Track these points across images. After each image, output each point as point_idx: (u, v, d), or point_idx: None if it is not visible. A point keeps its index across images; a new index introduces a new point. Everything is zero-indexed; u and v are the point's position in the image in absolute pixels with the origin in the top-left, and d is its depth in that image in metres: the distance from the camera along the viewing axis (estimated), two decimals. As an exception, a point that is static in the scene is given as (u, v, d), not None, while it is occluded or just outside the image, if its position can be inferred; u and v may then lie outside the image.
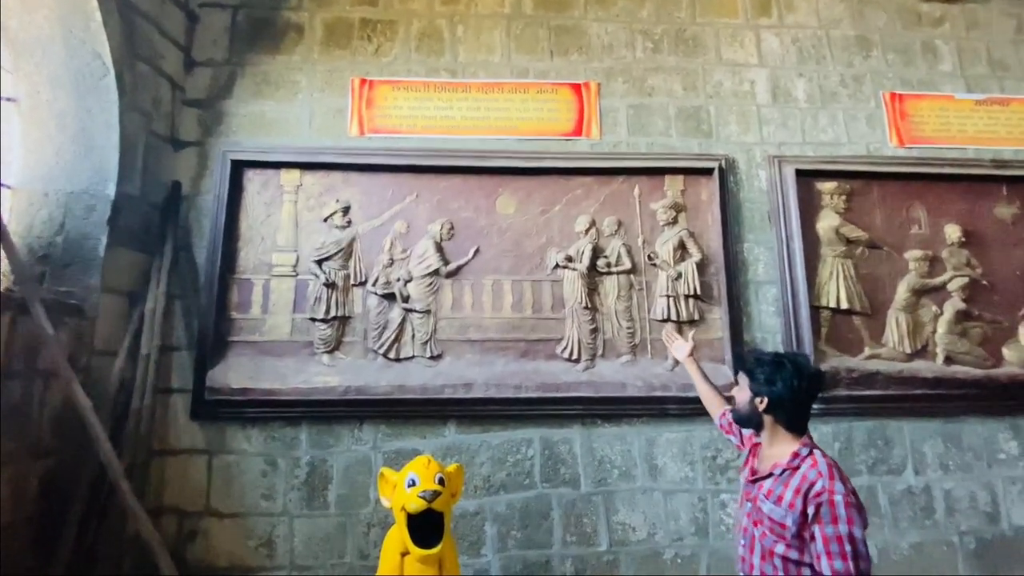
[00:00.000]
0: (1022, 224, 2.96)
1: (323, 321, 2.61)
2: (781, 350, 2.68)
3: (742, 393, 1.48)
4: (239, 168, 2.72)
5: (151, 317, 2.46)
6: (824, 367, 2.67)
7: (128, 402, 2.36)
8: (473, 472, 2.52)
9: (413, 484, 1.75)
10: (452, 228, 2.73)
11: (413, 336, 2.61)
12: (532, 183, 2.83)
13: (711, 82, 3.03)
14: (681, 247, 2.79)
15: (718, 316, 2.73)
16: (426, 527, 1.73)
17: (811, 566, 1.26)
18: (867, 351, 2.76)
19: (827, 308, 2.78)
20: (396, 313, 2.62)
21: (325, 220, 2.73)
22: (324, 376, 2.55)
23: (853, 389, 2.69)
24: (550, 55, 3.00)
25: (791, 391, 1.37)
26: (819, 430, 2.68)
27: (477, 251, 2.73)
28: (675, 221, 2.83)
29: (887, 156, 2.98)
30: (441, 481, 1.77)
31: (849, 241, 2.85)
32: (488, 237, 2.76)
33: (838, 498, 1.23)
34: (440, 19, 3.00)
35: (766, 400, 1.40)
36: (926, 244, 2.88)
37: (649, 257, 2.78)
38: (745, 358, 1.58)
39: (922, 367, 2.73)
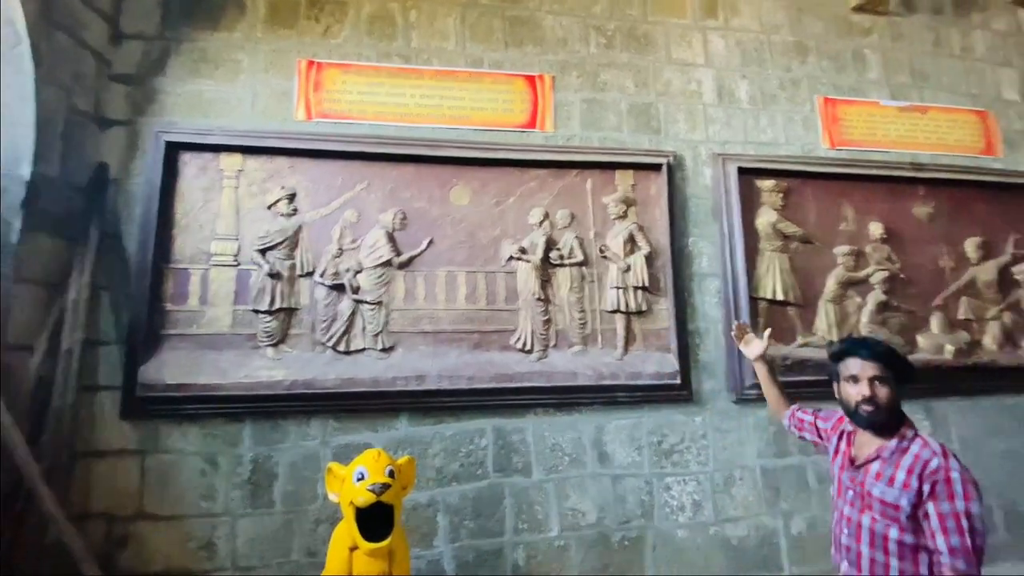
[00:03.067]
0: (937, 223, 3.24)
1: (267, 313, 2.51)
2: (727, 337, 2.84)
3: (883, 390, 1.38)
4: (174, 150, 2.56)
5: (73, 309, 2.28)
6: (761, 355, 2.83)
7: (48, 401, 2.19)
8: (426, 464, 2.51)
9: (362, 478, 1.72)
10: (405, 218, 2.68)
11: (364, 328, 2.55)
12: (487, 174, 2.82)
13: (661, 80, 3.12)
14: (631, 240, 2.87)
15: (664, 307, 2.83)
16: (376, 520, 1.71)
17: (926, 548, 1.23)
18: (799, 339, 2.94)
19: (764, 299, 2.94)
20: (346, 305, 2.55)
21: (269, 207, 2.61)
22: (269, 370, 2.45)
23: (787, 375, 2.85)
24: (504, 45, 2.99)
25: (910, 381, 1.42)
26: (756, 415, 2.85)
27: (431, 242, 2.70)
28: (625, 215, 2.90)
29: (820, 157, 3.17)
30: (391, 474, 1.75)
31: (785, 236, 3.02)
32: (442, 228, 2.73)
33: (955, 475, 1.22)
34: (392, 2, 2.92)
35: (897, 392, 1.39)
36: (853, 240, 3.10)
37: (601, 250, 2.84)
38: (876, 350, 1.43)
39: (847, 354, 2.94)
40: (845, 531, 1.41)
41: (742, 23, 3.27)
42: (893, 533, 1.28)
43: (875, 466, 1.35)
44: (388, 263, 2.61)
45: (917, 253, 3.17)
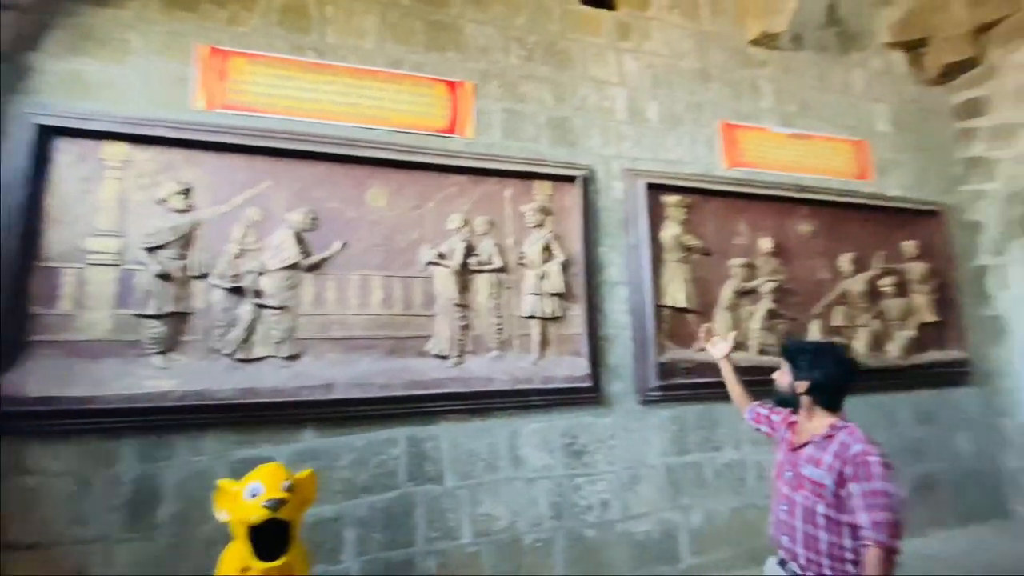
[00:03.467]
0: (818, 239, 3.62)
1: (155, 318, 2.30)
2: (633, 343, 2.98)
3: (784, 377, 1.65)
4: (47, 135, 2.28)
5: (-92, 312, 1.96)
6: (663, 359, 3.02)
7: None
8: (333, 476, 2.41)
9: (256, 494, 1.63)
10: (316, 218, 2.57)
11: (266, 334, 2.41)
12: (405, 177, 2.78)
13: (578, 95, 3.24)
14: (547, 249, 2.95)
15: (578, 313, 2.93)
16: (271, 539, 1.62)
17: (848, 524, 1.39)
18: (699, 344, 3.16)
19: (668, 307, 3.13)
20: (246, 309, 2.40)
21: (161, 202, 2.40)
22: (156, 380, 2.25)
23: (687, 378, 3.07)
24: (425, 49, 2.97)
25: (828, 377, 1.56)
26: (659, 415, 3.02)
27: (344, 244, 2.61)
28: (542, 224, 2.97)
29: (719, 176, 3.44)
30: (289, 488, 1.67)
31: (687, 248, 3.24)
32: (356, 230, 2.65)
33: (873, 459, 1.38)
34: (307, -5, 2.80)
35: (807, 383, 1.58)
36: (746, 253, 3.39)
37: (519, 257, 2.89)
38: (787, 347, 1.69)
39: (741, 357, 3.19)
40: (783, 508, 1.57)
41: (653, 47, 3.48)
42: (820, 508, 1.44)
43: (808, 450, 1.53)
44: (295, 265, 2.49)
45: (800, 266, 3.52)
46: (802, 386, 1.59)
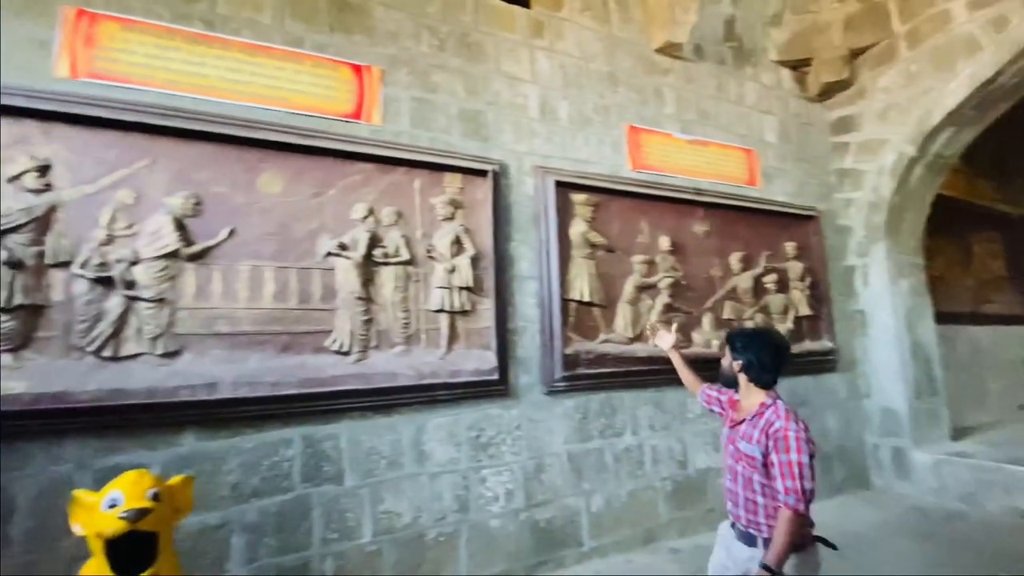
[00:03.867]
0: (711, 239, 3.90)
1: (4, 311, 2.02)
2: (541, 335, 3.06)
3: (726, 359, 1.84)
4: None
5: None
6: (568, 351, 3.12)
7: None
8: (219, 481, 2.26)
9: (115, 504, 1.48)
10: (199, 203, 2.38)
11: (139, 330, 2.19)
12: (304, 162, 2.64)
13: (491, 90, 3.24)
14: (457, 242, 2.94)
15: (487, 307, 2.95)
16: (134, 552, 1.49)
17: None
18: (602, 336, 3.31)
19: (574, 301, 3.25)
20: (115, 301, 2.17)
21: (12, 180, 2.11)
22: (5, 381, 1.98)
23: (590, 368, 3.20)
24: (330, 29, 2.83)
25: (758, 357, 1.72)
26: (563, 405, 3.13)
27: (232, 232, 2.43)
28: (453, 217, 2.96)
29: (624, 177, 3.60)
30: (156, 497, 1.54)
31: (593, 245, 3.37)
32: (247, 217, 2.48)
33: (791, 433, 1.56)
34: (193, -41, 2.57)
35: (740, 363, 1.75)
36: (646, 250, 3.58)
37: (428, 250, 2.86)
38: (729, 334, 1.88)
39: (638, 348, 3.39)
40: (728, 477, 1.76)
41: (566, 47, 3.56)
42: (756, 476, 1.64)
43: (743, 427, 1.71)
44: (175, 254, 2.29)
45: (695, 264, 3.78)
46: (737, 366, 1.77)
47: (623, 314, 3.41)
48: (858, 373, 4.51)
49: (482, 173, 3.04)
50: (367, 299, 2.67)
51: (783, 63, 4.63)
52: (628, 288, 3.46)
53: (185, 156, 2.38)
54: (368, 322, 2.66)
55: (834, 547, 1.68)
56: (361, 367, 2.59)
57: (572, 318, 3.24)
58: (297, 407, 2.44)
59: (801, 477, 1.53)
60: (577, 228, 3.33)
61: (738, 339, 1.81)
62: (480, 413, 2.88)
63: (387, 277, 2.74)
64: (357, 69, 2.86)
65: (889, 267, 4.40)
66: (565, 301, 3.21)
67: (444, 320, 2.84)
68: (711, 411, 2.12)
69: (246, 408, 2.30)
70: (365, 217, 2.72)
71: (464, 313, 2.90)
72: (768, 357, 1.73)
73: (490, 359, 2.88)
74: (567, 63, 3.55)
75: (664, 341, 2.53)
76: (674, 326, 2.58)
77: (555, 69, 3.50)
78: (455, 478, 2.77)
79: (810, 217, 4.41)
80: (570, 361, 3.12)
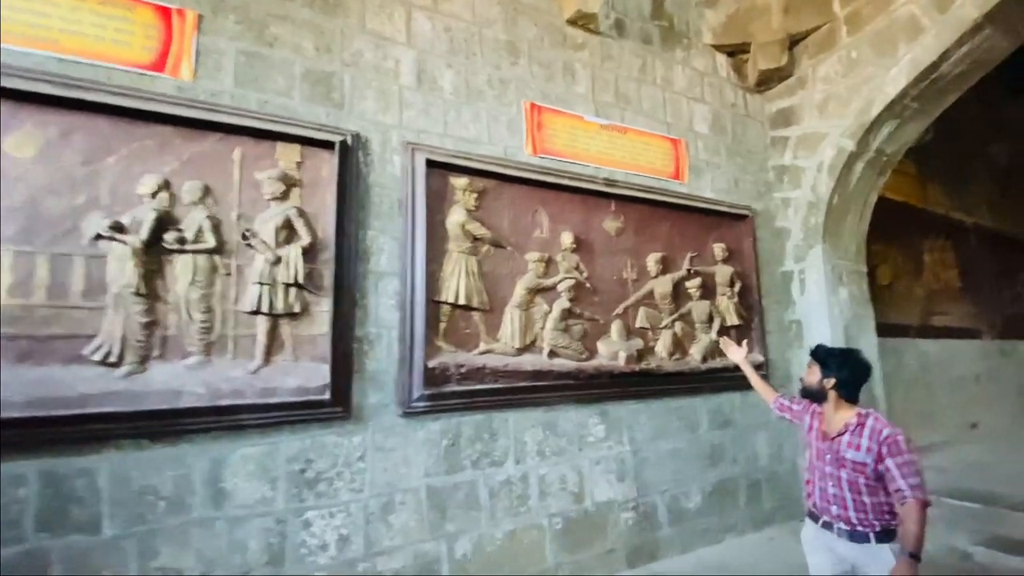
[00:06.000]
0: (623, 237, 3.42)
1: None
2: (400, 344, 2.52)
3: (813, 376, 1.96)
4: None
5: None
6: (434, 363, 2.60)
7: None
8: None
9: None
10: None
11: None
12: (73, 119, 2.08)
13: (350, 49, 2.71)
14: (288, 227, 2.39)
15: (325, 309, 2.40)
16: None
17: (884, 490, 1.75)
18: (483, 346, 2.79)
19: (448, 303, 2.72)
20: None
21: None
22: None
23: (464, 384, 2.68)
24: (130, -39, 2.28)
25: (853, 375, 1.89)
26: (428, 428, 2.60)
27: (-54, 204, 1.85)
28: (285, 196, 2.41)
29: (521, 161, 3.10)
30: None
31: (476, 238, 2.85)
32: (-24, 187, 1.90)
33: (900, 438, 1.74)
34: None
35: (834, 380, 1.89)
36: (545, 247, 3.08)
37: (244, 236, 2.30)
38: (818, 351, 1.99)
39: (527, 360, 2.88)
40: (831, 483, 1.87)
41: (453, 9, 3.06)
42: (862, 480, 1.79)
43: (845, 437, 1.84)
44: None
45: (604, 264, 3.30)
46: (829, 383, 1.90)
47: (511, 320, 2.90)
48: (793, 390, 4.06)
49: (328, 145, 2.50)
50: (150, 295, 2.10)
51: (718, 47, 4.21)
52: (519, 290, 2.95)
53: None
54: (150, 325, 2.09)
55: None
56: (132, 383, 2.01)
57: (444, 324, 2.71)
58: (33, 434, 1.85)
59: (919, 473, 1.71)
60: (456, 217, 2.81)
61: (830, 358, 1.93)
62: (308, 441, 2.32)
63: (183, 269, 2.18)
64: (164, 12, 2.31)
65: (827, 273, 3.99)
66: (435, 303, 2.69)
67: (263, 324, 2.28)
68: (783, 418, 2.31)
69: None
70: (156, 192, 2.16)
71: (292, 316, 2.35)
72: (860, 376, 1.90)
73: (323, 374, 2.33)
74: (455, 27, 3.05)
75: (737, 355, 2.67)
76: (745, 340, 2.98)
77: (439, 33, 2.99)
78: (267, 523, 2.20)
79: (743, 217, 3.97)
80: (436, 376, 2.59)
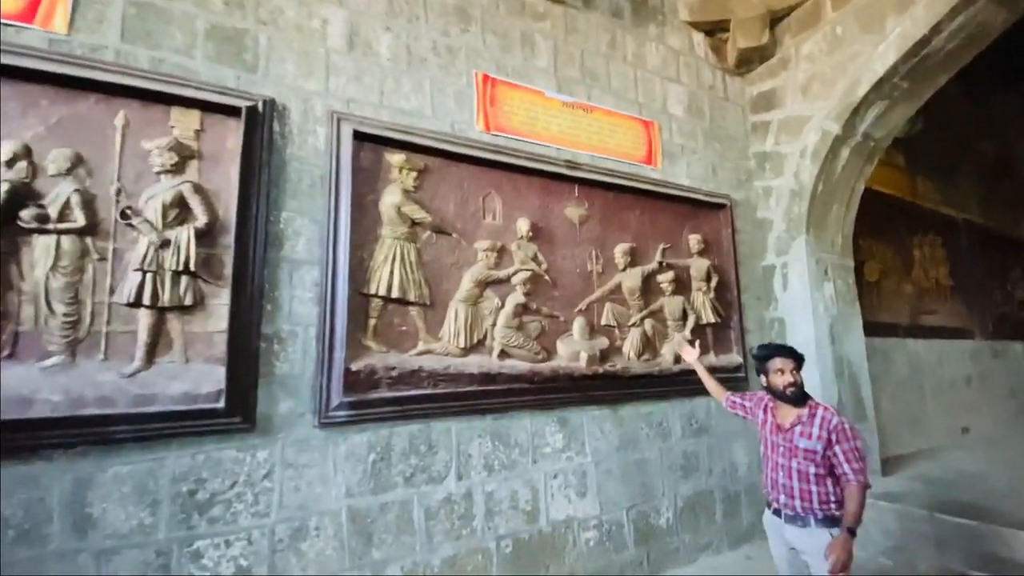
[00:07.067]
0: (587, 226, 3.10)
1: None
2: (318, 343, 2.18)
3: (798, 375, 2.04)
4: None
5: None
6: (359, 365, 2.26)
7: None
8: None
9: None
10: None
11: None
12: (-96, 73, 1.72)
13: (268, 6, 2.37)
14: (180, 205, 2.04)
15: (223, 302, 2.05)
16: None
17: (830, 475, 1.93)
18: (421, 345, 2.45)
19: (378, 297, 2.38)
20: None
21: None
22: None
23: (395, 389, 2.34)
24: None
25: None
26: (351, 440, 2.25)
27: None
28: (179, 169, 2.06)
29: (471, 139, 2.77)
30: None
31: (414, 223, 2.52)
32: None
33: (846, 426, 1.94)
34: None
35: (801, 377, 2.06)
36: (498, 235, 2.76)
37: (124, 213, 1.95)
38: (796, 353, 2.10)
39: (474, 362, 2.54)
40: (782, 474, 2.01)
41: (394, -34, 2.73)
42: (811, 469, 1.94)
43: (798, 428, 1.99)
44: None
45: (565, 255, 2.97)
46: (801, 380, 2.05)
47: (456, 316, 2.57)
48: (777, 393, 3.76)
49: (235, 111, 2.16)
50: (-4, 283, 1.74)
51: (695, 24, 3.91)
52: (466, 282, 2.62)
53: None
54: (-4, 319, 1.73)
55: None
56: (-34, 388, 1.66)
57: (374, 320, 2.37)
58: None
59: (863, 459, 1.90)
60: (391, 198, 2.48)
61: (800, 357, 2.09)
62: (200, 457, 1.97)
63: (42, 252, 1.82)
64: (32, -50, 1.95)
65: (812, 267, 3.69)
66: (363, 296, 2.35)
67: (145, 319, 1.93)
68: (736, 415, 2.43)
69: None
70: (12, 161, 1.81)
71: (183, 309, 2.00)
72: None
73: (218, 378, 1.98)
74: (396, -13, 2.72)
75: (691, 355, 2.74)
76: (697, 341, 2.93)
77: (376, -8, 2.66)
78: (145, 555, 1.84)
79: (721, 206, 3.67)
80: (361, 380, 2.25)
